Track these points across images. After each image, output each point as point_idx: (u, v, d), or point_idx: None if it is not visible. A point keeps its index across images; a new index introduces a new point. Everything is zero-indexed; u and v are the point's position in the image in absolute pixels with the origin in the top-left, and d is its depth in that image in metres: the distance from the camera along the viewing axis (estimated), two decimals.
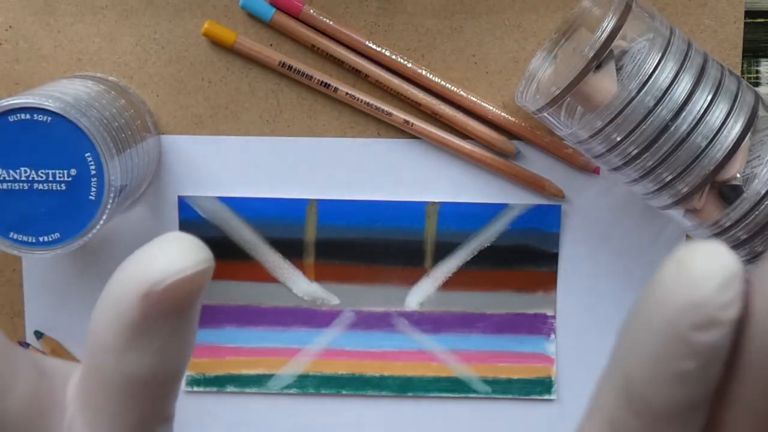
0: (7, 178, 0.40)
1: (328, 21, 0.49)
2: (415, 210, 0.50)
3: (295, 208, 0.50)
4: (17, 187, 0.40)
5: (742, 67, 0.49)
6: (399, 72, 0.49)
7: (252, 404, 0.51)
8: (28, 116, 0.40)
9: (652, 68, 0.41)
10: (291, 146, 0.50)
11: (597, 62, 0.41)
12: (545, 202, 0.50)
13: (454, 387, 0.51)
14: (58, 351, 0.50)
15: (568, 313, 0.50)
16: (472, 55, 0.49)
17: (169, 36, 0.49)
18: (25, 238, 0.40)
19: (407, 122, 0.49)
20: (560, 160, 0.49)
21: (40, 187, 0.40)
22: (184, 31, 0.49)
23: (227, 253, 0.50)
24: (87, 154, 0.40)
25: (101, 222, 0.40)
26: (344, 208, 0.50)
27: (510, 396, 0.51)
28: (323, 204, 0.50)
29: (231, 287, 0.50)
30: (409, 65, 0.49)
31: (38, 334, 0.50)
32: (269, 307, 0.51)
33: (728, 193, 0.42)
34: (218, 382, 0.51)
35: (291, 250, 0.50)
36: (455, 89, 0.49)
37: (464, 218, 0.50)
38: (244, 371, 0.51)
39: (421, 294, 0.51)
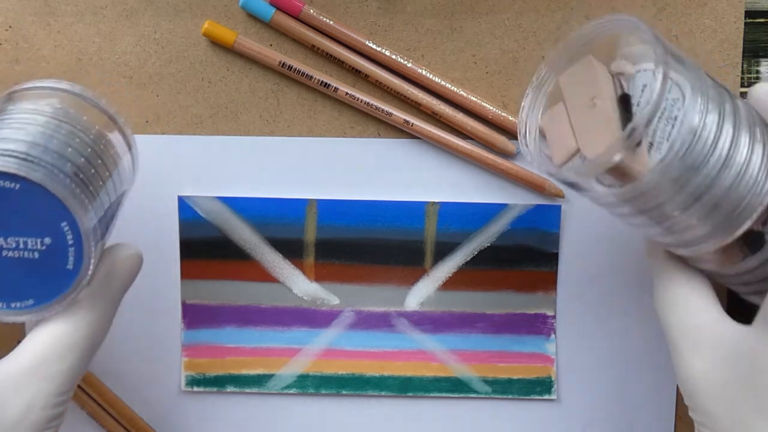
0: None
1: (328, 21, 0.49)
2: (415, 210, 0.50)
3: (295, 208, 0.50)
4: None
5: (742, 67, 0.49)
6: (399, 72, 0.49)
7: (252, 404, 0.51)
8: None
9: (698, 124, 0.36)
10: (291, 146, 0.50)
11: (637, 141, 0.36)
12: (545, 202, 0.50)
13: (454, 387, 0.51)
14: None
15: (568, 313, 0.50)
16: (472, 55, 0.49)
17: (169, 36, 0.49)
18: None
19: (407, 122, 0.49)
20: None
21: (11, 254, 0.37)
22: (184, 31, 0.49)
23: (227, 253, 0.50)
24: (63, 224, 0.36)
25: (80, 288, 0.38)
26: (344, 208, 0.50)
27: (510, 396, 0.51)
28: (323, 204, 0.50)
29: (231, 287, 0.50)
30: (409, 65, 0.49)
31: None
32: (269, 307, 0.51)
33: (754, 242, 0.38)
34: (218, 382, 0.51)
35: (291, 250, 0.50)
36: (455, 89, 0.49)
37: (464, 218, 0.50)
38: (244, 371, 0.51)
39: (421, 294, 0.51)
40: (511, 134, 0.49)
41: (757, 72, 0.50)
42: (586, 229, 0.50)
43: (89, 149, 0.39)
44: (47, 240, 0.36)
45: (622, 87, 0.38)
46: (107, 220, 0.39)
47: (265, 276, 0.50)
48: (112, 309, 0.40)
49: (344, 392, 0.51)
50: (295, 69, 0.48)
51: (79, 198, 0.36)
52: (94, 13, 0.49)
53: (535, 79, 0.41)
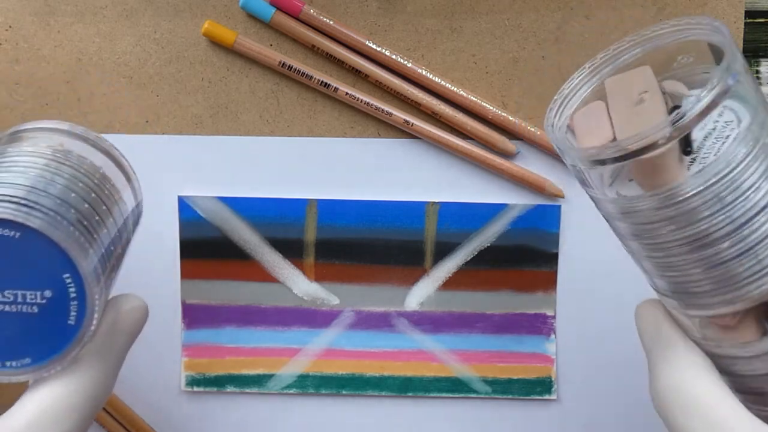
0: None
1: (328, 21, 0.49)
2: (415, 210, 0.50)
3: (295, 208, 0.50)
4: None
5: None
6: (399, 72, 0.49)
7: (252, 404, 0.51)
8: None
9: (741, 159, 0.31)
10: (291, 146, 0.50)
11: (687, 147, 0.32)
12: (545, 202, 0.50)
13: (454, 387, 0.51)
14: None
15: (568, 313, 0.50)
16: (472, 55, 0.49)
17: (169, 36, 0.49)
18: None
19: (407, 122, 0.49)
20: (560, 160, 0.49)
21: (7, 309, 0.33)
22: (184, 31, 0.49)
23: (227, 253, 0.50)
24: (65, 275, 0.33)
25: (81, 345, 0.34)
26: (344, 208, 0.50)
27: (510, 396, 0.51)
28: (323, 204, 0.50)
29: (231, 287, 0.50)
30: (409, 65, 0.49)
31: None
32: (269, 307, 0.51)
33: None
34: (218, 382, 0.51)
35: (291, 250, 0.50)
36: (455, 89, 0.49)
37: (464, 218, 0.50)
38: (244, 371, 0.51)
39: (421, 294, 0.51)
40: (511, 134, 0.49)
41: (757, 72, 0.50)
42: (586, 229, 0.50)
43: (93, 194, 0.36)
44: (47, 293, 0.33)
45: (670, 104, 0.34)
46: (111, 271, 0.36)
47: (265, 276, 0.50)
48: (116, 366, 0.37)
49: (344, 392, 0.51)
50: (295, 69, 0.48)
51: (83, 247, 0.33)
52: (94, 13, 0.49)
53: (588, 67, 0.37)
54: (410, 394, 0.51)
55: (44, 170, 0.35)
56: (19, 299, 0.33)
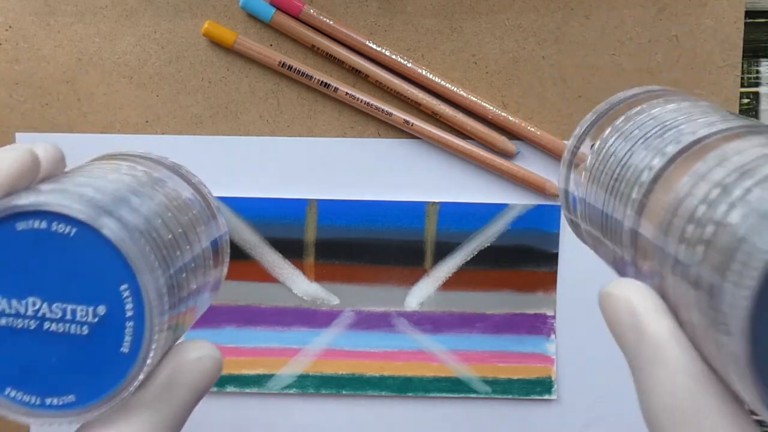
0: (8, 311, 0.27)
1: (328, 21, 0.49)
2: (415, 210, 0.50)
3: (295, 208, 0.50)
4: (21, 325, 0.28)
5: (742, 67, 0.49)
6: (399, 72, 0.49)
7: (252, 404, 0.51)
8: (43, 224, 0.27)
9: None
10: (291, 146, 0.50)
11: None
12: (545, 202, 0.50)
13: (454, 387, 0.51)
14: None
15: (568, 313, 0.50)
16: (472, 55, 0.49)
17: (169, 36, 0.49)
18: (26, 398, 0.28)
19: (407, 122, 0.49)
20: (560, 160, 0.49)
21: (53, 327, 0.28)
22: (184, 31, 0.49)
23: None
24: (123, 287, 0.27)
25: (135, 384, 0.27)
26: (344, 208, 0.50)
27: (510, 396, 0.51)
28: (323, 204, 0.50)
29: (231, 287, 0.50)
30: (409, 65, 0.49)
31: None
32: (269, 307, 0.51)
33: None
34: (218, 382, 0.51)
35: (291, 250, 0.50)
36: (455, 89, 0.49)
37: (464, 218, 0.50)
38: (244, 371, 0.51)
39: (421, 294, 0.51)
40: (511, 134, 0.49)
41: (757, 72, 0.50)
42: None
43: (180, 229, 0.31)
44: (101, 309, 0.28)
45: None
46: (179, 304, 0.30)
47: (265, 276, 0.50)
48: (175, 426, 0.28)
49: (344, 392, 0.51)
50: (295, 69, 0.48)
51: (147, 259, 0.28)
52: (94, 13, 0.49)
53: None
54: (410, 394, 0.51)
55: (134, 187, 0.30)
56: (68, 316, 0.28)
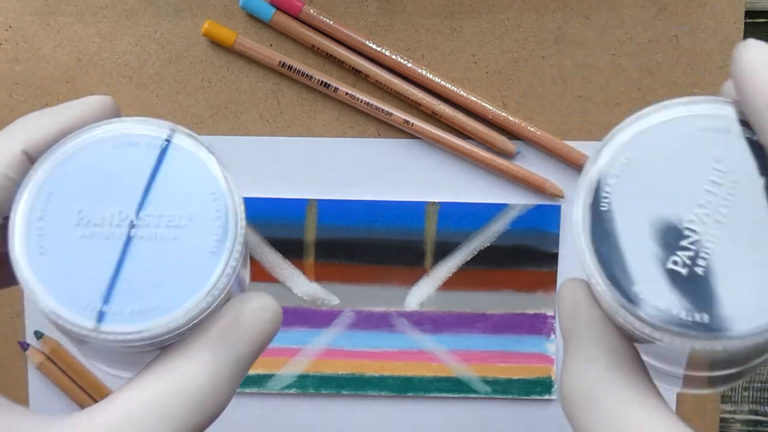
0: (95, 221, 0.28)
1: (328, 21, 0.49)
2: (415, 210, 0.50)
3: (295, 208, 0.50)
4: (105, 233, 0.27)
5: None
6: (399, 72, 0.49)
7: (252, 404, 0.51)
8: (134, 140, 0.29)
9: None
10: (291, 146, 0.50)
11: None
12: (545, 202, 0.50)
13: (454, 387, 0.51)
14: (58, 351, 0.50)
15: None
16: (472, 55, 0.49)
17: (169, 36, 0.49)
18: (109, 308, 0.27)
19: (407, 122, 0.49)
20: (560, 160, 0.49)
21: (141, 233, 0.28)
22: (184, 31, 0.49)
23: None
24: (212, 192, 0.28)
25: (220, 287, 0.27)
26: (344, 208, 0.50)
27: (510, 396, 0.51)
28: (323, 204, 0.50)
29: None
30: (409, 65, 0.49)
31: (38, 334, 0.50)
32: None
33: None
34: None
35: (291, 250, 0.50)
36: (455, 89, 0.49)
37: (464, 218, 0.50)
38: None
39: (421, 294, 0.51)
40: (511, 134, 0.49)
41: None
42: None
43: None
44: (188, 215, 0.28)
45: None
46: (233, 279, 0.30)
47: (265, 276, 0.50)
48: (231, 377, 0.28)
49: (344, 392, 0.51)
50: (295, 69, 0.48)
51: (231, 175, 0.29)
52: (94, 13, 0.49)
53: None
54: (410, 394, 0.51)
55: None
56: (157, 223, 0.28)
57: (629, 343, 0.28)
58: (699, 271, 0.26)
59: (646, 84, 0.49)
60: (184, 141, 0.28)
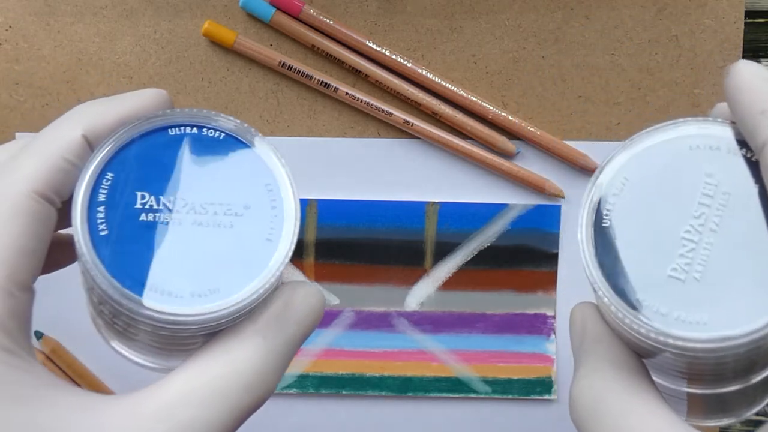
0: (156, 207, 0.28)
1: (328, 21, 0.49)
2: (415, 210, 0.50)
3: None
4: (168, 220, 0.28)
5: None
6: (399, 72, 0.49)
7: None
8: (194, 130, 0.30)
9: None
10: (291, 146, 0.50)
11: None
12: (545, 202, 0.50)
13: (454, 387, 0.51)
14: (58, 351, 0.50)
15: (568, 313, 0.50)
16: (472, 55, 0.49)
17: (169, 36, 0.49)
18: (168, 289, 0.28)
19: (407, 122, 0.49)
20: (560, 160, 0.49)
21: (199, 220, 0.29)
22: (184, 31, 0.49)
23: None
24: (268, 183, 0.29)
25: (277, 274, 0.28)
26: (344, 208, 0.50)
27: (510, 396, 0.51)
28: (323, 204, 0.50)
29: None
30: (409, 65, 0.49)
31: (38, 335, 0.50)
32: None
33: None
34: None
35: None
36: (455, 89, 0.49)
37: (464, 218, 0.50)
38: None
39: (421, 294, 0.51)
40: (511, 134, 0.49)
41: None
42: None
43: None
44: (246, 204, 0.29)
45: None
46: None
47: None
48: (281, 361, 0.29)
49: (344, 392, 0.51)
50: (295, 69, 0.48)
51: (286, 166, 0.30)
52: (94, 13, 0.49)
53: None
54: (410, 394, 0.51)
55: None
56: (214, 211, 0.29)
57: (636, 356, 0.30)
58: (697, 276, 0.28)
59: (646, 84, 0.49)
60: (242, 134, 0.30)
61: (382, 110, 0.49)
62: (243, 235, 0.29)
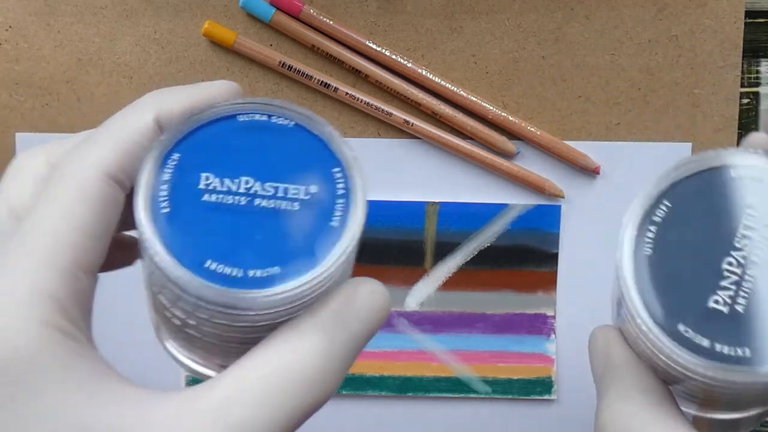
0: (220, 188, 0.28)
1: (328, 21, 0.49)
2: (415, 210, 0.50)
3: None
4: (231, 201, 0.28)
5: (742, 67, 0.49)
6: (399, 72, 0.49)
7: None
8: (263, 117, 0.30)
9: None
10: None
11: None
12: (545, 202, 0.50)
13: (454, 387, 0.51)
14: None
15: (568, 313, 0.50)
16: (472, 55, 0.49)
17: (169, 36, 0.49)
18: (228, 270, 0.27)
19: (407, 122, 0.49)
20: (560, 160, 0.49)
21: (264, 203, 0.28)
22: (184, 31, 0.49)
23: None
24: (335, 169, 0.29)
25: (341, 260, 0.28)
26: None
27: (510, 396, 0.51)
28: None
29: None
30: (409, 65, 0.49)
31: None
32: None
33: None
34: None
35: None
36: (455, 89, 0.49)
37: (464, 218, 0.50)
38: None
39: (421, 294, 0.51)
40: (511, 134, 0.49)
41: (757, 72, 0.50)
42: (586, 229, 0.50)
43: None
44: (312, 187, 0.29)
45: None
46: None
47: None
48: (343, 359, 0.27)
49: (344, 392, 0.51)
50: (295, 69, 0.48)
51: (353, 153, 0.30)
52: (94, 13, 0.49)
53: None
54: (410, 394, 0.51)
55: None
56: (280, 193, 0.29)
57: (662, 383, 0.30)
58: (739, 309, 0.28)
59: (646, 84, 0.49)
60: (313, 124, 0.29)
61: (382, 110, 0.49)
62: (309, 220, 0.28)
